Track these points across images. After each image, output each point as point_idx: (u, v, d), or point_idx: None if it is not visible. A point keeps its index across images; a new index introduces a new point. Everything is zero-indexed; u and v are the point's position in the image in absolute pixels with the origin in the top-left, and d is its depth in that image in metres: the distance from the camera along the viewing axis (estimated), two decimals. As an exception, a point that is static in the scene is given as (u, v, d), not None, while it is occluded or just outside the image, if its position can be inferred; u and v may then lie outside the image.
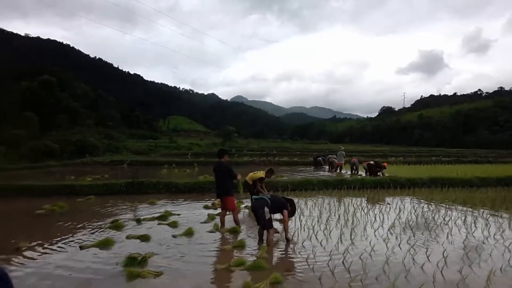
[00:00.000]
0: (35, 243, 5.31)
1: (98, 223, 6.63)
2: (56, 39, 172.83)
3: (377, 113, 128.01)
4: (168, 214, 7.22)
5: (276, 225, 6.08)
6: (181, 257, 4.72)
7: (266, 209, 5.22)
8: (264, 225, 5.25)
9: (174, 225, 6.46)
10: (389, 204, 8.49)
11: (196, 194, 10.26)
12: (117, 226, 6.34)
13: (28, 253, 4.87)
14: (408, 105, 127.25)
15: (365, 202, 8.97)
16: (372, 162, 14.94)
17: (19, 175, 13.96)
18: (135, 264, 4.35)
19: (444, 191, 10.83)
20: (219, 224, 6.31)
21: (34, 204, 8.32)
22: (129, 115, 76.45)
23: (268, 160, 22.18)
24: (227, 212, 6.36)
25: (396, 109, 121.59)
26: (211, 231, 6.06)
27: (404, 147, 57.31)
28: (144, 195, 9.89)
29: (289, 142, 77.86)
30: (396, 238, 5.56)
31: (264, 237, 5.34)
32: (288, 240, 5.33)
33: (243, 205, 8.25)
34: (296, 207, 6.32)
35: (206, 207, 8.30)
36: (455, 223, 6.58)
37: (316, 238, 5.54)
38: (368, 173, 14.61)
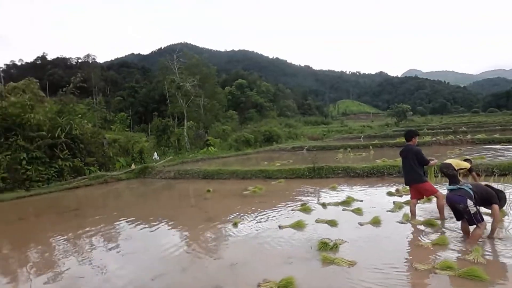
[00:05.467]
0: (246, 220, 6.23)
1: (290, 205, 7.13)
2: (245, 49, 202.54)
3: None
4: (351, 200, 6.95)
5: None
6: (372, 248, 4.36)
7: (470, 203, 4.05)
8: (471, 221, 4.12)
9: (358, 212, 6.13)
10: None
11: (376, 179, 9.51)
12: (305, 209, 6.62)
13: (242, 227, 5.74)
14: None
15: None
16: None
17: (229, 161, 17.14)
18: (327, 249, 4.33)
19: None
20: (409, 215, 5.51)
21: (240, 185, 9.93)
22: (302, 103, 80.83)
23: (458, 139, 18.14)
24: (418, 201, 5.46)
25: None
26: (401, 222, 5.36)
27: None
28: (324, 179, 10.02)
29: (483, 116, 61.76)
30: None
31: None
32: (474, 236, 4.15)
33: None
34: (507, 200, 4.74)
35: (389, 193, 7.51)
36: None
37: (558, 245, 3.90)
38: None
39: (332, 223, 5.53)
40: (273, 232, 5.35)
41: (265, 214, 6.54)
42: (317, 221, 5.74)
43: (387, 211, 6.04)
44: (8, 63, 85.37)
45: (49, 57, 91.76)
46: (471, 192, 4.14)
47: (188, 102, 27.03)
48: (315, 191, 8.61)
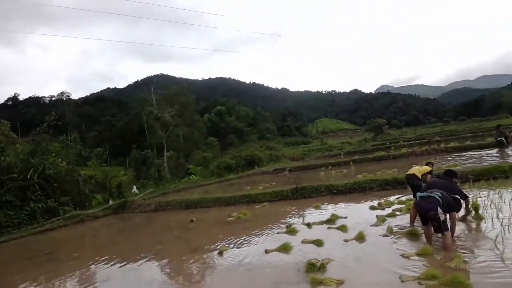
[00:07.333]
0: (231, 247, 6.09)
1: (275, 228, 7.05)
2: (222, 76, 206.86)
3: None
4: (335, 218, 6.96)
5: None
6: (358, 264, 4.36)
7: (439, 210, 4.24)
8: (439, 228, 4.28)
9: (343, 229, 6.15)
10: None
11: (358, 194, 9.63)
12: (291, 231, 6.55)
13: (228, 255, 5.60)
14: None
15: None
16: None
17: (211, 188, 16.89)
18: (315, 270, 4.29)
19: None
20: (393, 227, 5.58)
21: (224, 212, 9.76)
22: (282, 125, 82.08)
23: (432, 149, 18.86)
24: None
25: None
26: (384, 235, 5.41)
27: None
28: (308, 199, 10.02)
29: (454, 125, 64.91)
30: None
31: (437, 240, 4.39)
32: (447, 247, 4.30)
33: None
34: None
35: (372, 207, 7.60)
36: None
37: (534, 244, 4.06)
38: None
39: (318, 243, 5.50)
40: (260, 257, 5.26)
41: (250, 240, 6.43)
42: (303, 242, 5.70)
43: (371, 225, 6.10)
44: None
45: (21, 97, 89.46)
46: (441, 200, 4.34)
47: (167, 132, 26.85)
48: (299, 212, 8.59)
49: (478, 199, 6.34)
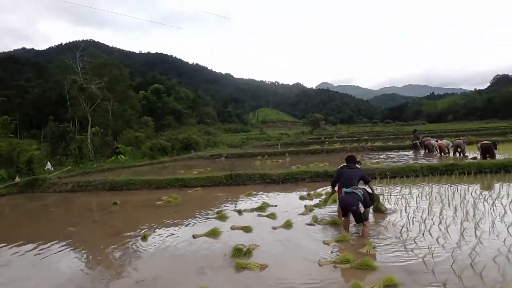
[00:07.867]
0: (157, 231, 5.92)
1: (206, 213, 7.06)
2: (163, 52, 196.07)
3: (488, 84, 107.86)
4: (266, 206, 7.24)
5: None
6: (283, 250, 4.62)
7: (360, 205, 4.76)
8: (360, 219, 4.83)
9: (272, 217, 6.43)
10: (521, 192, 6.87)
11: (290, 184, 10.13)
12: (221, 216, 6.64)
13: (152, 240, 5.43)
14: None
15: (487, 190, 7.47)
16: (489, 142, 12.47)
17: (142, 170, 16.10)
18: (241, 255, 4.42)
19: None
20: (318, 216, 6.03)
21: (153, 195, 9.43)
22: (223, 111, 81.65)
23: (360, 146, 20.74)
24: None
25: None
26: (310, 224, 5.81)
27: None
28: (242, 186, 10.20)
29: (380, 126, 72.21)
30: (541, 236, 4.39)
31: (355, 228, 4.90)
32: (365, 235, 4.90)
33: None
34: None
35: (302, 198, 8.07)
36: None
37: (430, 234, 4.77)
38: (482, 156, 12.27)
39: (247, 229, 5.66)
40: (187, 242, 5.22)
41: (179, 224, 6.33)
42: (232, 228, 5.81)
43: (299, 214, 6.48)
44: None
45: None
46: (362, 197, 4.84)
47: (94, 106, 24.57)
48: (231, 198, 8.71)
49: (392, 194, 7.22)
